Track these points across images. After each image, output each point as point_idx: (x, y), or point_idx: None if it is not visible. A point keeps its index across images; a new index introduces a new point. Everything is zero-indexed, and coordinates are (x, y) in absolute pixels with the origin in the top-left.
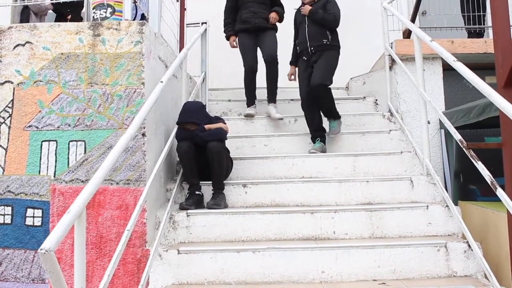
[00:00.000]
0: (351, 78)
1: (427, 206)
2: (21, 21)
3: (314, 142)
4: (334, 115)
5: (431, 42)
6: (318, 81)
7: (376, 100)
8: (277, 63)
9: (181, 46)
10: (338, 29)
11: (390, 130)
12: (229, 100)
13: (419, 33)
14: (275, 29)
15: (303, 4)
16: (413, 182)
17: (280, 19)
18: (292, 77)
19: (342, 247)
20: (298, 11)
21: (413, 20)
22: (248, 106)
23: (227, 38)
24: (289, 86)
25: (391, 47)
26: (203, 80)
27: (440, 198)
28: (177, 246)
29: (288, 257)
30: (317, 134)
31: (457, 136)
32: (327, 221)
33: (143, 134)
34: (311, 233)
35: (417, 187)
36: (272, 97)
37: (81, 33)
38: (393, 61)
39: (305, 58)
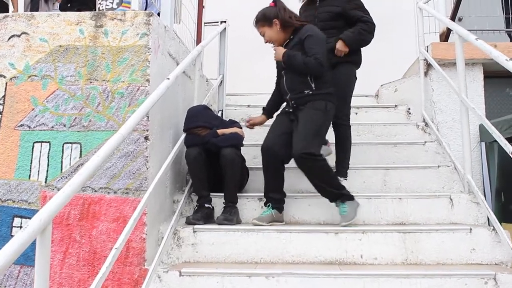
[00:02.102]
0: (381, 85)
1: (470, 229)
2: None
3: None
4: (337, 195)
5: (477, 40)
6: (300, 150)
7: (409, 109)
8: None
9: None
10: None
11: (425, 142)
12: (248, 106)
13: (462, 31)
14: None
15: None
16: (453, 200)
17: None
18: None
19: (371, 275)
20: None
21: (452, 20)
22: None
23: None
24: None
25: (427, 51)
26: (221, 83)
27: (484, 220)
28: (180, 266)
29: (307, 285)
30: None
31: (508, 148)
32: (354, 243)
33: (146, 138)
34: (334, 257)
35: (457, 207)
36: None
37: (82, 24)
38: (428, 66)
39: (287, 110)
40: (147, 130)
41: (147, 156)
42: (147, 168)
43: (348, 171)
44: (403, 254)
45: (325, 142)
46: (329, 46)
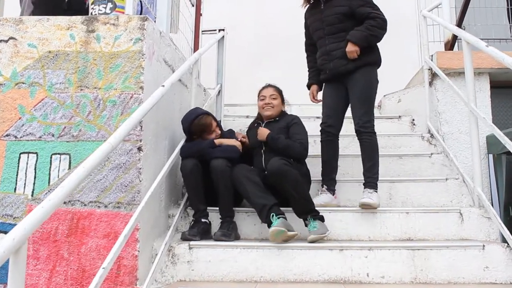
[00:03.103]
0: (384, 96)
1: (483, 245)
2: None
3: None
4: (307, 209)
5: (488, 47)
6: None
7: (413, 120)
8: None
9: None
10: None
11: (431, 154)
12: (247, 117)
13: (471, 38)
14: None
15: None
16: (463, 215)
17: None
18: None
19: None
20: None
21: (459, 27)
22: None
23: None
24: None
25: (431, 60)
26: (219, 92)
27: (496, 236)
28: (174, 285)
29: None
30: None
31: None
32: (359, 261)
33: (139, 148)
34: (339, 275)
35: (468, 222)
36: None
37: (73, 29)
38: (433, 75)
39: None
40: (141, 141)
41: (140, 168)
42: (140, 181)
43: (351, 183)
44: (412, 272)
45: (333, 189)
46: (341, 52)
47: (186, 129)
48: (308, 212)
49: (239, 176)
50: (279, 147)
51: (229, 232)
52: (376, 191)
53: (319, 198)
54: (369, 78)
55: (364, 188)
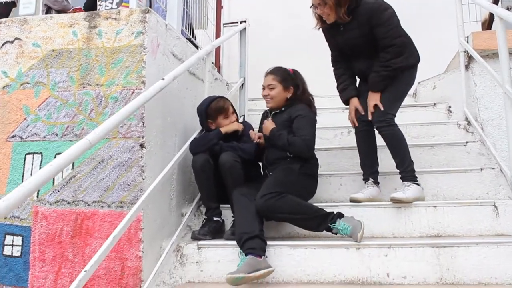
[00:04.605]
0: (418, 83)
1: None
2: None
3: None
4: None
5: None
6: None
7: (450, 107)
8: None
9: (217, 48)
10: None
11: (466, 142)
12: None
13: (503, 13)
14: None
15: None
16: (498, 208)
17: None
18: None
19: None
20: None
21: (495, 4)
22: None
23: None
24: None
25: (467, 42)
26: (242, 86)
27: None
28: (182, 287)
29: None
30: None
31: None
32: (379, 260)
33: (142, 145)
34: (356, 275)
35: (504, 215)
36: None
37: (75, 25)
38: (469, 58)
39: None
40: (143, 137)
41: (142, 166)
42: (143, 179)
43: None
44: (437, 272)
45: (377, 182)
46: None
47: (202, 112)
48: (325, 221)
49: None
50: (279, 144)
51: None
52: (416, 182)
53: (367, 191)
54: (406, 81)
55: (402, 182)
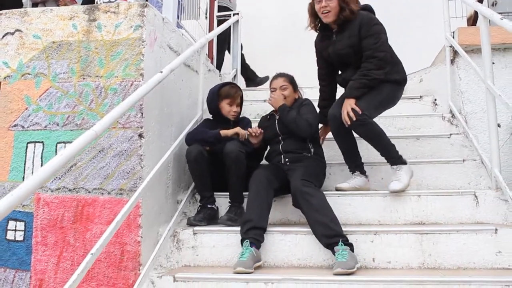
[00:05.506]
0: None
1: (496, 229)
2: None
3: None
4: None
5: (502, 20)
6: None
7: (435, 99)
8: None
9: (211, 41)
10: (391, 25)
11: (450, 134)
12: (265, 101)
13: (485, 11)
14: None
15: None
16: (478, 197)
17: None
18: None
19: (382, 281)
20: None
21: (479, 2)
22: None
23: None
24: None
25: (453, 37)
26: (234, 77)
27: None
28: (179, 270)
29: None
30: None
31: None
32: (365, 246)
33: (140, 135)
34: None
35: (483, 205)
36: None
37: (75, 18)
38: (455, 53)
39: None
40: (141, 127)
41: (141, 155)
42: (142, 167)
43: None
44: (419, 257)
45: (363, 172)
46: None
47: (215, 91)
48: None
49: (261, 176)
50: (288, 118)
51: (236, 217)
52: (405, 163)
53: (352, 181)
54: (386, 93)
55: (391, 166)
